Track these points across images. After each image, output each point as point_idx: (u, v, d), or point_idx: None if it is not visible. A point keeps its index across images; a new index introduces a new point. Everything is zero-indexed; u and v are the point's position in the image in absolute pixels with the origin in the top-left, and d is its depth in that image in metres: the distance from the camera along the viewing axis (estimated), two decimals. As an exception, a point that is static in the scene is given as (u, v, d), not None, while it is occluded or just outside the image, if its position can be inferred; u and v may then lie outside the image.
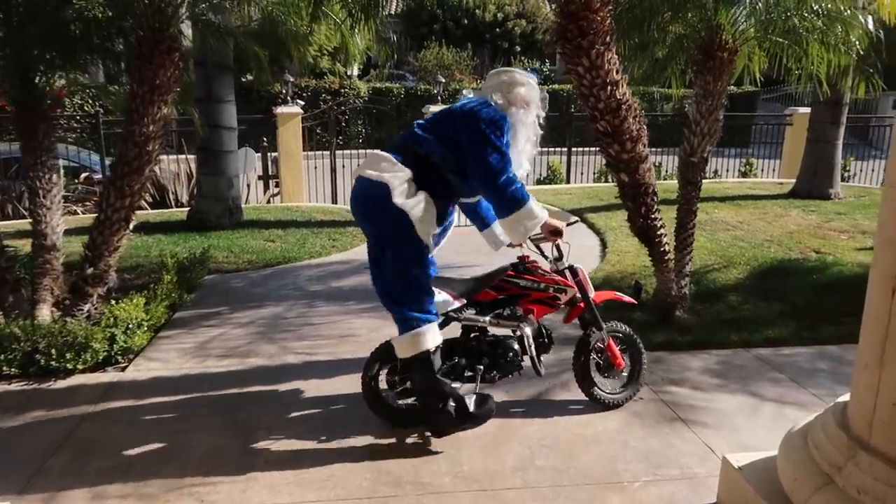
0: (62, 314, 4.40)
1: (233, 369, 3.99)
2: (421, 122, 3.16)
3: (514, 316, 3.25)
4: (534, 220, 3.03)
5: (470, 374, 3.19)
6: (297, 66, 8.20)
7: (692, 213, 4.76)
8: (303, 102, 13.01)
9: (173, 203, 9.76)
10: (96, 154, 10.46)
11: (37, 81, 4.60)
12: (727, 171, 12.67)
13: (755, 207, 8.70)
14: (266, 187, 11.36)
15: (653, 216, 4.39)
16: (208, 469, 2.93)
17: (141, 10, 4.31)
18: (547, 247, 3.34)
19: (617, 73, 4.06)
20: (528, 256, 3.36)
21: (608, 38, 4.00)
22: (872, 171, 12.58)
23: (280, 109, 11.14)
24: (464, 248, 5.45)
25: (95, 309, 4.51)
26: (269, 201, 10.96)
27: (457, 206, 3.37)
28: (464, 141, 2.97)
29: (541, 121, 3.25)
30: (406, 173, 2.96)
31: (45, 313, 4.36)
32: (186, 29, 5.46)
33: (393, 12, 25.30)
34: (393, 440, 3.15)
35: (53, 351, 3.81)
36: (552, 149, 11.81)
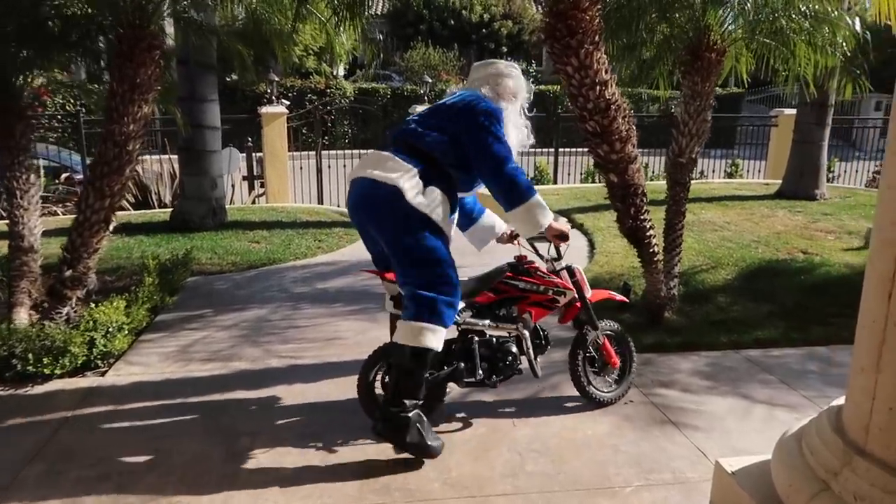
0: (40, 317, 4.29)
1: (216, 373, 3.91)
2: (415, 117, 3.09)
3: (513, 318, 3.20)
4: (546, 215, 2.98)
5: (470, 379, 3.13)
6: (281, 65, 8.13)
7: (681, 214, 4.74)
8: (288, 102, 12.95)
9: (156, 204, 9.64)
10: (77, 154, 10.31)
11: (13, 80, 4.48)
12: (713, 171, 12.75)
13: (742, 208, 8.72)
14: (251, 188, 11.26)
15: (642, 217, 4.36)
16: (191, 477, 2.84)
17: (121, 6, 4.22)
18: (543, 246, 3.29)
19: (606, 72, 4.04)
20: (525, 256, 3.31)
21: (597, 38, 3.97)
22: (856, 172, 12.70)
23: (265, 109, 11.07)
24: (464, 249, 5.38)
25: (74, 312, 4.40)
26: (253, 202, 10.86)
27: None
28: (465, 134, 2.92)
29: (525, 112, 3.21)
30: (414, 171, 2.88)
31: (22, 317, 4.25)
32: (168, 27, 5.38)
33: (379, 12, 25.27)
34: (381, 445, 3.08)
35: (30, 355, 3.70)
36: (539, 149, 11.78)
